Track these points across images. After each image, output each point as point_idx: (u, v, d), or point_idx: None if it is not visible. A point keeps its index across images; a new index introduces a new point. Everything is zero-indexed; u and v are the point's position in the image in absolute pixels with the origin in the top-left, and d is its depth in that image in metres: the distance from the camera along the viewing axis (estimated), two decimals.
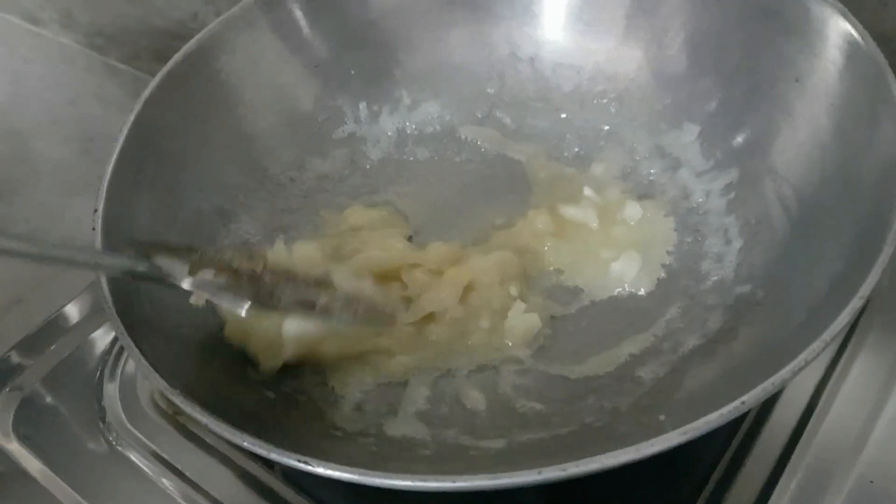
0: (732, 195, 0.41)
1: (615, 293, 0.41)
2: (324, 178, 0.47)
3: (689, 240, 0.41)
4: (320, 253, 0.41)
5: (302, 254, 0.41)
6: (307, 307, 0.35)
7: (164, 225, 0.39)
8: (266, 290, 0.34)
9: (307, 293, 0.35)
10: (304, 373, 0.38)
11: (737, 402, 0.26)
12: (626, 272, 0.41)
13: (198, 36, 0.42)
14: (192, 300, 0.33)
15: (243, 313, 0.33)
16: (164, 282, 0.32)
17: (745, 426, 0.38)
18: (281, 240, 0.42)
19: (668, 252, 0.41)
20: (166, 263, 0.32)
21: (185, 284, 0.32)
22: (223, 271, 0.33)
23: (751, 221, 0.39)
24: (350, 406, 0.37)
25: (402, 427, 0.35)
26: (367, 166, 0.48)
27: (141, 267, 0.32)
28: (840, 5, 0.36)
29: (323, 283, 0.37)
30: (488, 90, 0.48)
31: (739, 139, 0.41)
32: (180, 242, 0.39)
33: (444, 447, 0.34)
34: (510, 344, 0.39)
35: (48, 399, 0.45)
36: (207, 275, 0.33)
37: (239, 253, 0.36)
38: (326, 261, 0.41)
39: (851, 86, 0.35)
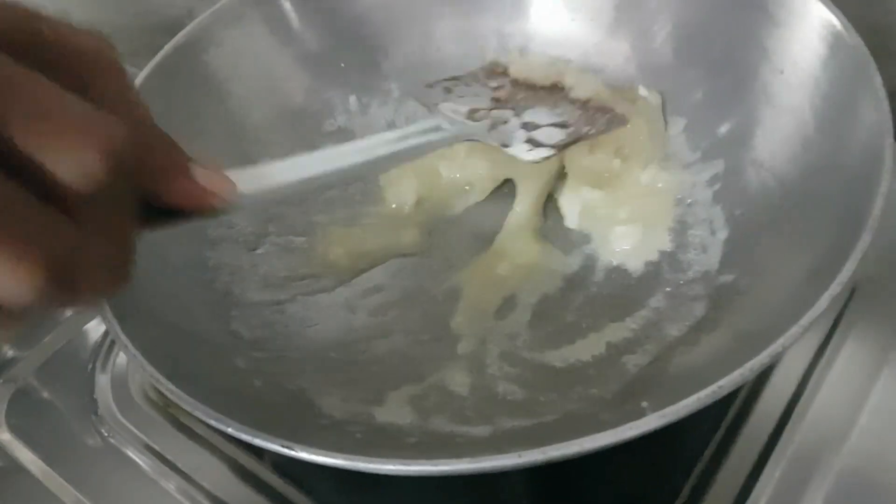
0: (718, 186, 0.41)
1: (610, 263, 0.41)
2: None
3: (677, 230, 0.42)
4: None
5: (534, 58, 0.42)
6: (566, 132, 0.36)
7: None
8: (527, 118, 0.36)
9: (555, 110, 0.37)
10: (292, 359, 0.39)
11: (713, 387, 0.26)
12: (627, 239, 0.41)
13: (187, 28, 0.42)
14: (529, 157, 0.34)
15: (533, 160, 0.34)
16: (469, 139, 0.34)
17: (731, 414, 0.38)
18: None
19: (668, 231, 0.41)
20: (451, 109, 0.34)
21: (484, 139, 0.34)
22: (489, 102, 0.35)
23: (735, 212, 0.39)
24: (338, 395, 0.37)
25: (388, 415, 0.36)
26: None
27: (442, 130, 0.32)
28: None
29: (561, 88, 0.38)
30: None
31: (724, 130, 0.41)
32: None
33: (430, 435, 0.34)
34: None
35: (41, 391, 0.46)
36: (485, 115, 0.35)
37: (485, 70, 0.39)
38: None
39: (835, 76, 0.35)
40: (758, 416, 0.38)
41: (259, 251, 0.43)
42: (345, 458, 0.26)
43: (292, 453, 0.26)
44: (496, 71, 0.39)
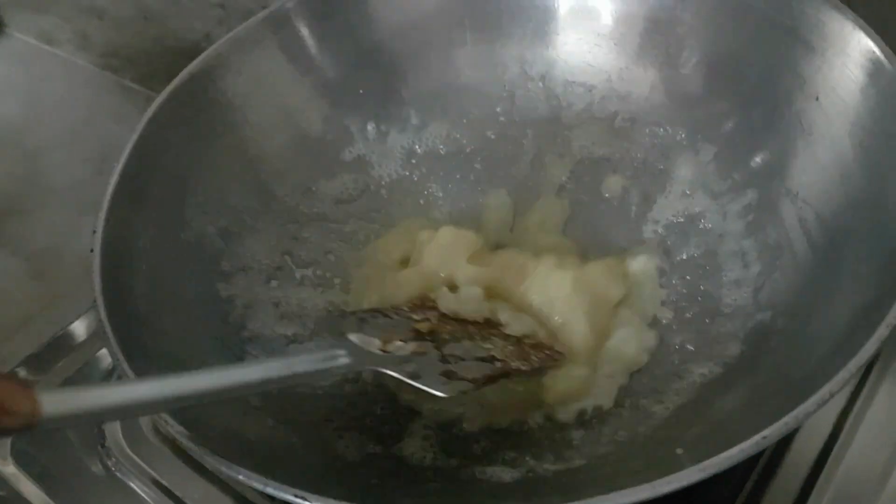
0: (751, 217, 0.39)
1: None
2: (332, 200, 0.46)
3: (706, 264, 0.40)
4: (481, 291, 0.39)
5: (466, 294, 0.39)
6: (491, 367, 0.34)
7: (165, 247, 0.38)
8: (449, 351, 0.34)
9: (484, 345, 0.35)
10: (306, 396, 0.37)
11: (758, 437, 0.24)
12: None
13: (203, 55, 0.42)
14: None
15: (445, 395, 0.32)
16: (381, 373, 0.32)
17: (763, 460, 0.37)
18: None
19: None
20: (361, 340, 0.32)
21: (391, 370, 0.32)
22: (408, 334, 0.33)
23: (770, 245, 0.38)
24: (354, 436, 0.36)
25: (406, 453, 0.34)
26: (376, 188, 0.47)
27: (342, 357, 0.31)
28: (861, 21, 0.34)
29: (493, 325, 0.36)
30: (497, 109, 0.48)
31: (758, 160, 0.39)
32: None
33: (450, 479, 0.33)
34: None
35: None
36: (399, 347, 0.33)
37: (411, 303, 0.37)
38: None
39: (874, 104, 0.34)
40: (791, 462, 0.36)
41: (274, 283, 0.42)
42: None
43: (305, 503, 0.25)
44: (425, 305, 0.38)
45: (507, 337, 0.36)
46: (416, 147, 0.48)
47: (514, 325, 0.37)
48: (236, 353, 0.37)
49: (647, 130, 0.44)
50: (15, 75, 0.83)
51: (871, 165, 0.34)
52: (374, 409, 0.38)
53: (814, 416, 0.35)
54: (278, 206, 0.44)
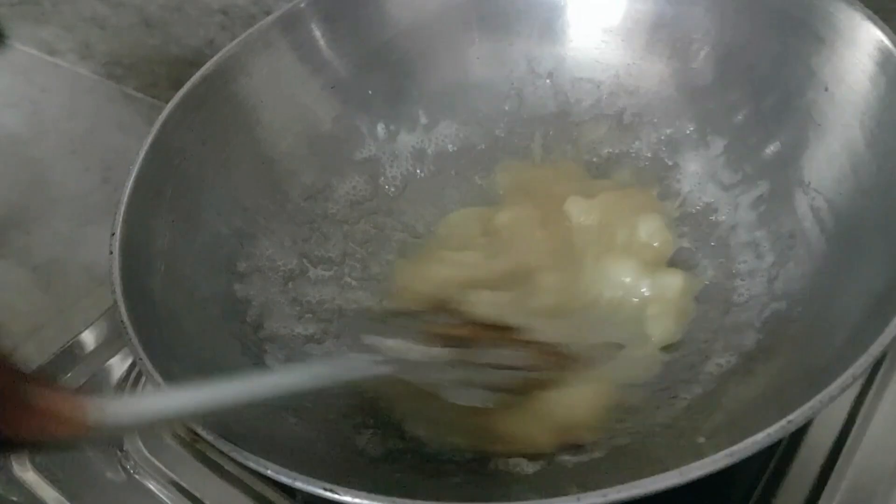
0: (763, 208, 0.40)
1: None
2: (344, 200, 0.46)
3: (720, 256, 0.40)
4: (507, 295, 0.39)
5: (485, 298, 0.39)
6: (526, 375, 0.34)
7: (182, 248, 0.38)
8: (482, 358, 0.33)
9: (515, 352, 0.34)
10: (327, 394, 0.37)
11: (783, 422, 0.24)
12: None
13: (215, 57, 0.42)
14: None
15: (491, 405, 0.32)
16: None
17: (777, 454, 0.36)
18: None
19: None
20: (396, 345, 0.31)
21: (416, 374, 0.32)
22: (439, 340, 0.32)
23: (783, 235, 0.38)
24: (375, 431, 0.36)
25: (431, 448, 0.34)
26: (387, 186, 0.47)
27: (381, 366, 0.31)
28: (868, 11, 0.35)
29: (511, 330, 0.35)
30: (506, 107, 0.48)
31: (768, 151, 0.40)
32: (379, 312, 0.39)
33: (474, 472, 0.33)
34: None
35: None
36: (434, 355, 0.32)
37: (437, 307, 0.36)
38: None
39: (884, 93, 0.34)
40: (805, 455, 0.36)
41: (290, 284, 0.42)
42: (389, 501, 0.25)
43: (336, 497, 0.25)
44: (449, 308, 0.37)
45: (527, 343, 0.35)
46: (426, 146, 0.48)
47: (532, 331, 0.36)
48: (255, 352, 0.37)
49: (656, 124, 0.45)
50: (18, 86, 0.83)
51: (881, 154, 0.34)
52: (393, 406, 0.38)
53: (826, 409, 0.36)
54: (292, 206, 0.44)
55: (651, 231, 0.41)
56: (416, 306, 0.38)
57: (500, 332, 0.35)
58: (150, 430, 0.24)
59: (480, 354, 0.33)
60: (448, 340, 0.32)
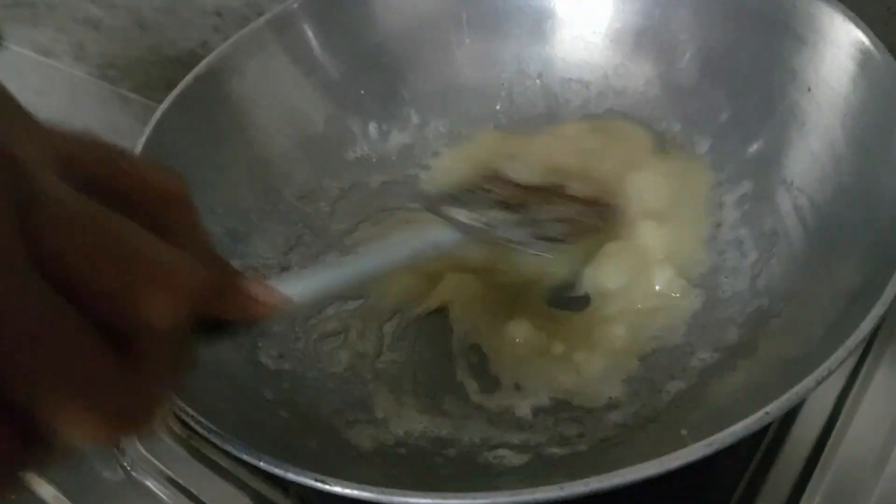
0: (746, 207, 0.40)
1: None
2: (337, 199, 0.47)
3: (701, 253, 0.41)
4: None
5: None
6: (575, 225, 0.37)
7: None
8: (536, 215, 0.37)
9: (562, 206, 0.38)
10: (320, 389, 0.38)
11: (761, 413, 0.25)
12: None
13: (208, 58, 0.42)
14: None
15: (550, 255, 0.36)
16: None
17: (763, 445, 0.37)
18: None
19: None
20: (460, 215, 0.35)
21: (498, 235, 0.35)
22: (497, 205, 0.36)
23: (766, 233, 0.39)
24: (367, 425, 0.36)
25: (419, 440, 0.35)
26: (379, 186, 0.48)
27: (451, 233, 0.34)
28: (849, 12, 0.35)
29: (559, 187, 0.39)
30: (497, 108, 0.49)
31: (752, 151, 0.41)
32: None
33: (463, 463, 0.33)
34: None
35: None
36: (494, 218, 0.35)
37: (485, 177, 0.40)
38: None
39: (865, 94, 0.35)
40: (791, 446, 0.37)
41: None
42: (379, 492, 0.25)
43: (326, 488, 0.26)
44: (498, 176, 0.41)
45: (575, 198, 0.40)
46: (418, 146, 0.49)
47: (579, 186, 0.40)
48: (248, 349, 0.38)
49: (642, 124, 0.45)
50: (12, 88, 0.82)
51: (862, 153, 0.34)
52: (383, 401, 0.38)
53: (812, 401, 0.37)
54: (285, 206, 0.45)
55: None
56: (472, 180, 0.41)
57: (548, 191, 0.39)
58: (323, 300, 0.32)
59: (537, 211, 0.37)
60: (509, 204, 0.36)
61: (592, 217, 0.39)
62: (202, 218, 0.23)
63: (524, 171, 0.42)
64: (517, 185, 0.40)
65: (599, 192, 0.40)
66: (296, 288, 0.26)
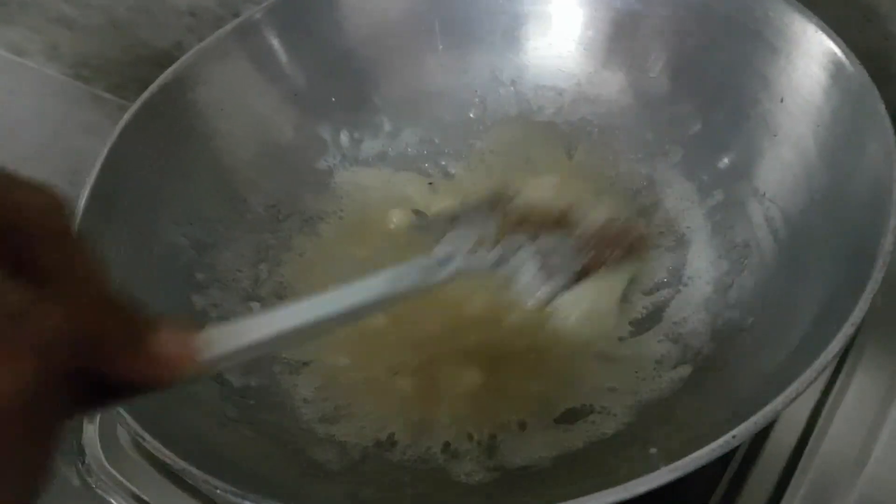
0: (718, 217, 0.40)
1: None
2: (306, 208, 0.46)
3: (672, 265, 0.40)
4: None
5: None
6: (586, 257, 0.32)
7: (138, 259, 0.38)
8: (544, 245, 0.32)
9: (573, 233, 0.33)
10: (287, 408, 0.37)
11: (727, 437, 0.25)
12: None
13: (173, 66, 0.42)
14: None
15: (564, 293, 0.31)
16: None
17: (740, 452, 0.37)
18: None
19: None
20: (453, 239, 0.30)
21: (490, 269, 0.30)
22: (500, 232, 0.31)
23: (738, 245, 0.38)
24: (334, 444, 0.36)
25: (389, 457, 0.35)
26: (350, 194, 0.47)
27: (452, 263, 0.29)
28: (822, 23, 0.35)
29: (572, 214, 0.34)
30: (470, 115, 0.48)
31: (724, 161, 0.40)
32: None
33: (428, 483, 0.33)
34: None
35: None
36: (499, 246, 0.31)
37: (489, 201, 0.34)
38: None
39: (837, 105, 0.35)
40: (769, 452, 0.37)
41: (250, 292, 0.42)
42: None
43: None
44: (503, 199, 0.36)
45: (590, 227, 0.34)
46: (390, 153, 0.48)
47: (595, 213, 0.35)
48: None
49: (616, 133, 0.45)
50: None
51: (834, 164, 0.34)
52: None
53: (791, 408, 0.37)
54: (252, 216, 0.44)
55: None
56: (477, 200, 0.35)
57: (561, 216, 0.34)
58: (253, 357, 0.23)
59: (548, 240, 0.32)
60: (516, 228, 0.32)
61: (612, 246, 0.33)
62: (96, 254, 0.18)
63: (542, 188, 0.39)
64: (526, 209, 0.34)
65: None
66: (230, 341, 0.21)
